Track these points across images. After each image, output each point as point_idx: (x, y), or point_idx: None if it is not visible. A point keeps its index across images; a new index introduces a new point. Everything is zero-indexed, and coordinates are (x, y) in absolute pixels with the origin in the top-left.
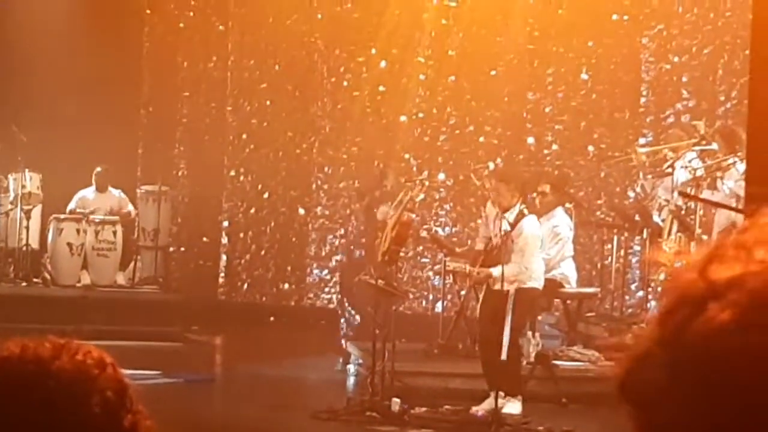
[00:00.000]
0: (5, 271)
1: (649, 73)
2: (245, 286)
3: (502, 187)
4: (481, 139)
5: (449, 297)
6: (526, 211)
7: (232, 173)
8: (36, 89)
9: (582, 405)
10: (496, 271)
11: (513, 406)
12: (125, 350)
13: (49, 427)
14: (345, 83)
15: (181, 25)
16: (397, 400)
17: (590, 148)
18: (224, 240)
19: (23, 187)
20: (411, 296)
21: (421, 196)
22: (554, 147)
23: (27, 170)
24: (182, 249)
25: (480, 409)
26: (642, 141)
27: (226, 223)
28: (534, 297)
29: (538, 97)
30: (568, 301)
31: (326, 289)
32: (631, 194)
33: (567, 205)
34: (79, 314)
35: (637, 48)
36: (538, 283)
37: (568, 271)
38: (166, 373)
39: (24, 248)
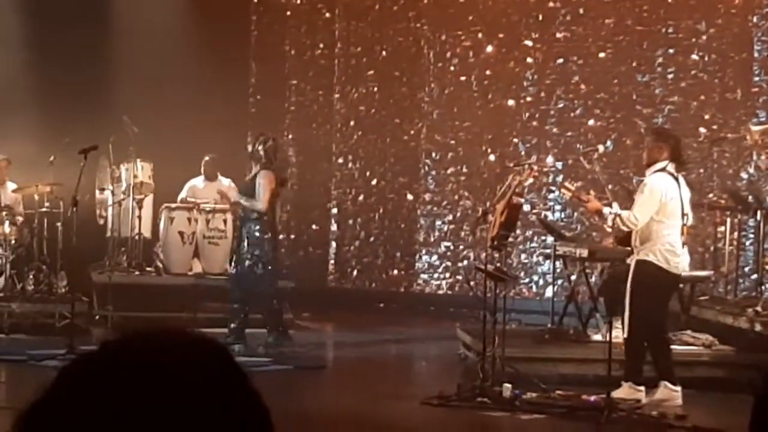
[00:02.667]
0: (118, 260)
1: (761, 52)
2: (355, 272)
3: (650, 141)
4: (590, 122)
5: (559, 282)
6: (670, 169)
7: (340, 160)
8: (146, 80)
9: (695, 389)
10: (607, 210)
11: (629, 391)
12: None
13: (167, 413)
14: (452, 68)
15: (288, 13)
16: (508, 385)
17: (702, 129)
18: (333, 227)
19: (135, 177)
20: (520, 281)
21: (530, 180)
22: None
23: (138, 160)
24: (292, 236)
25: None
26: (755, 121)
27: (335, 211)
28: (659, 276)
29: (647, 79)
30: (681, 285)
31: (435, 275)
32: (744, 176)
33: None
34: (191, 302)
35: (748, 27)
36: (655, 258)
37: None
38: (277, 360)
39: (136, 237)
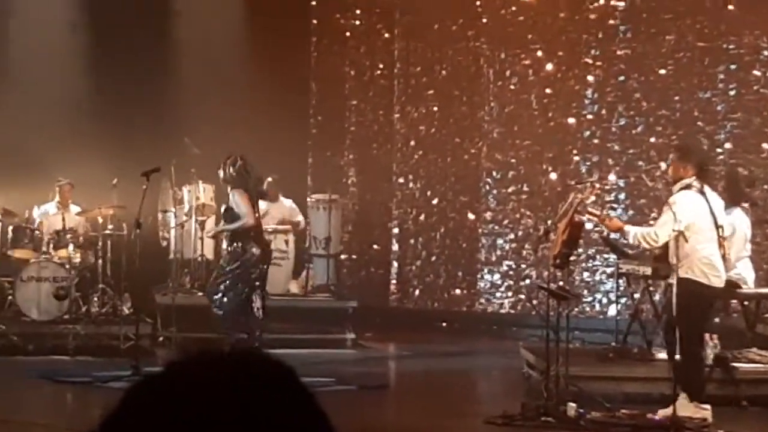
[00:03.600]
0: (181, 281)
1: None
2: (417, 292)
3: (675, 158)
4: (652, 139)
5: (623, 300)
6: (696, 184)
7: (401, 180)
8: (207, 102)
9: (762, 407)
10: (629, 227)
11: (690, 409)
12: (299, 357)
13: None
14: (512, 87)
15: (348, 34)
16: (573, 404)
17: (764, 145)
18: (395, 247)
19: (197, 198)
20: (583, 299)
21: (592, 198)
22: (727, 146)
23: (200, 182)
24: (353, 257)
25: (665, 415)
26: None
27: (396, 230)
28: (698, 292)
29: (709, 96)
30: (746, 302)
31: (497, 294)
32: None
33: (743, 204)
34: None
35: None
36: (693, 274)
37: (745, 272)
38: (340, 380)
39: (199, 259)
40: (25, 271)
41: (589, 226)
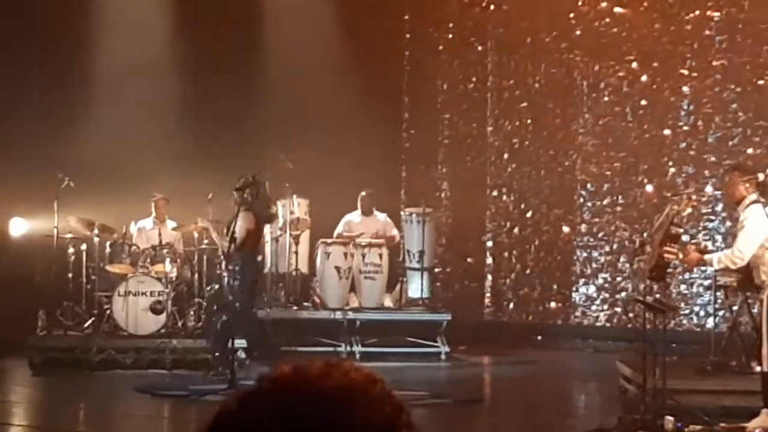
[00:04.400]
0: (276, 295)
1: None
2: (511, 305)
3: (736, 176)
4: (749, 150)
5: (721, 312)
6: (762, 199)
7: (495, 193)
8: (300, 117)
9: None
10: (708, 255)
11: None
12: (393, 371)
13: None
14: (606, 98)
15: (441, 47)
16: (671, 418)
17: None
18: (489, 260)
19: (291, 213)
20: (681, 312)
21: (689, 210)
22: None
23: (295, 196)
24: (447, 270)
25: (757, 427)
26: None
27: (490, 243)
28: None
29: None
30: None
31: (593, 307)
32: None
33: None
34: (348, 336)
35: None
36: None
37: None
38: (435, 394)
39: (294, 273)
40: (123, 286)
41: (685, 238)
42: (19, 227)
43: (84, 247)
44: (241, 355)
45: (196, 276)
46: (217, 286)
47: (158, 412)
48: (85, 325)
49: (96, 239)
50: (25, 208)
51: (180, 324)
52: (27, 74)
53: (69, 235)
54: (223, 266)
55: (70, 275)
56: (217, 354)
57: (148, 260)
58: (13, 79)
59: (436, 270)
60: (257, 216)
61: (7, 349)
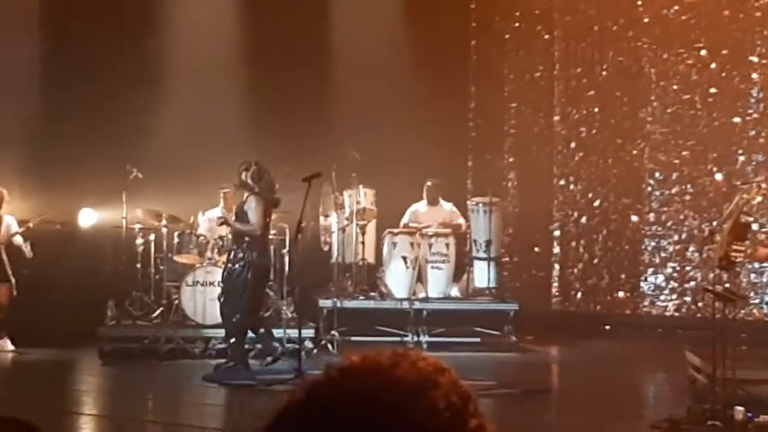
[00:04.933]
0: (343, 285)
1: None
2: (579, 295)
3: None
4: None
5: None
6: None
7: (562, 182)
8: (366, 107)
9: None
10: None
11: None
12: (461, 361)
13: None
14: (674, 86)
15: (507, 36)
16: (741, 408)
17: None
18: (556, 249)
19: (358, 203)
20: (751, 301)
21: (758, 198)
22: None
23: (361, 186)
24: (514, 259)
25: None
26: None
27: (557, 233)
28: None
29: None
30: None
31: (662, 297)
32: None
33: None
34: (416, 326)
35: None
36: None
37: None
38: (503, 384)
39: (360, 263)
40: (190, 276)
41: (755, 227)
42: (88, 218)
43: (152, 237)
44: (308, 344)
45: None
46: (226, 275)
47: (226, 402)
48: (154, 315)
49: (164, 230)
50: (94, 199)
51: None
52: (101, 69)
53: (137, 226)
54: (233, 255)
55: (139, 266)
56: (232, 343)
57: (216, 250)
58: (87, 75)
59: (503, 260)
60: (265, 201)
61: (77, 340)
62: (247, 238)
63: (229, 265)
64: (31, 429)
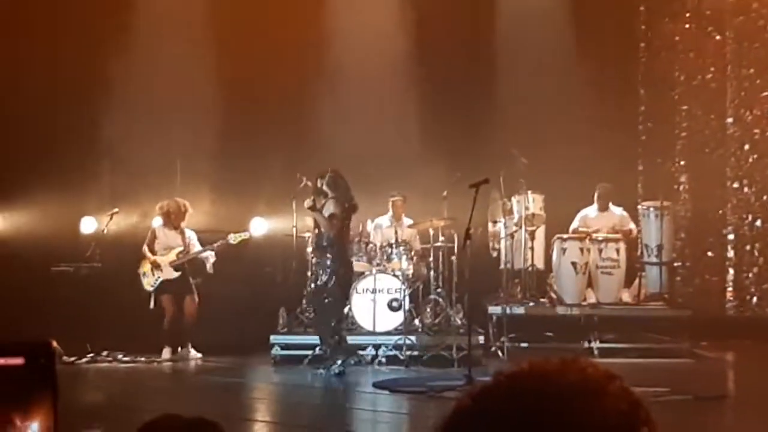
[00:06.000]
0: (512, 291)
1: None
2: (754, 299)
3: None
4: None
5: None
6: None
7: (736, 185)
8: (533, 112)
9: None
10: None
11: None
12: (633, 367)
13: None
14: None
15: (677, 38)
16: None
17: None
18: (730, 253)
19: (527, 208)
20: None
21: None
22: None
23: (529, 192)
24: (687, 264)
25: None
26: None
27: (731, 236)
28: None
29: None
30: None
31: None
32: None
33: None
34: (586, 332)
35: None
36: None
37: None
38: (676, 390)
39: (529, 269)
40: (361, 283)
41: None
42: (259, 227)
43: None
44: (478, 351)
45: (432, 273)
46: (315, 282)
47: (397, 408)
48: None
49: None
50: (265, 207)
51: (417, 321)
52: (269, 79)
53: (307, 234)
54: (314, 260)
55: (309, 273)
56: (328, 345)
57: (385, 257)
58: (255, 84)
59: (675, 264)
60: (341, 204)
61: (251, 347)
62: (328, 249)
63: (314, 276)
64: (216, 429)
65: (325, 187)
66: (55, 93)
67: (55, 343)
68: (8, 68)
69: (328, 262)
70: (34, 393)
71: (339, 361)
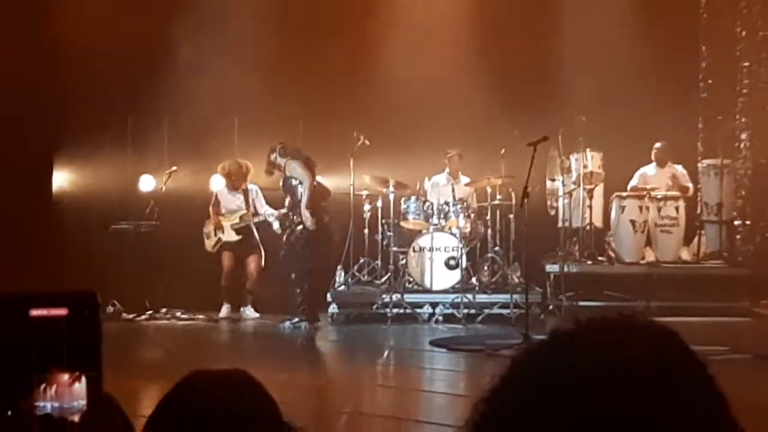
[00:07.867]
0: (570, 250)
1: None
2: None
3: None
4: None
5: None
6: None
7: None
8: (593, 70)
9: None
10: None
11: None
12: (692, 326)
13: (622, 403)
14: None
15: None
16: None
17: None
18: None
19: (585, 166)
20: None
21: None
22: None
23: (588, 150)
24: (747, 222)
25: None
26: None
27: None
28: None
29: None
30: None
31: None
32: None
33: None
34: (645, 291)
35: None
36: None
37: None
38: (734, 349)
39: (587, 227)
40: (417, 242)
41: None
42: None
43: (379, 203)
44: (536, 309)
45: (489, 231)
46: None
47: (455, 366)
48: (382, 280)
49: (391, 196)
50: (322, 166)
51: (474, 279)
52: (327, 39)
53: (364, 192)
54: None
55: (366, 231)
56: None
57: (442, 216)
58: (312, 44)
59: (735, 223)
60: (301, 160)
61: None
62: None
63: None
64: (251, 380)
65: (278, 158)
66: (115, 52)
67: (99, 295)
68: (74, 30)
69: (302, 227)
70: (79, 344)
71: (296, 318)
